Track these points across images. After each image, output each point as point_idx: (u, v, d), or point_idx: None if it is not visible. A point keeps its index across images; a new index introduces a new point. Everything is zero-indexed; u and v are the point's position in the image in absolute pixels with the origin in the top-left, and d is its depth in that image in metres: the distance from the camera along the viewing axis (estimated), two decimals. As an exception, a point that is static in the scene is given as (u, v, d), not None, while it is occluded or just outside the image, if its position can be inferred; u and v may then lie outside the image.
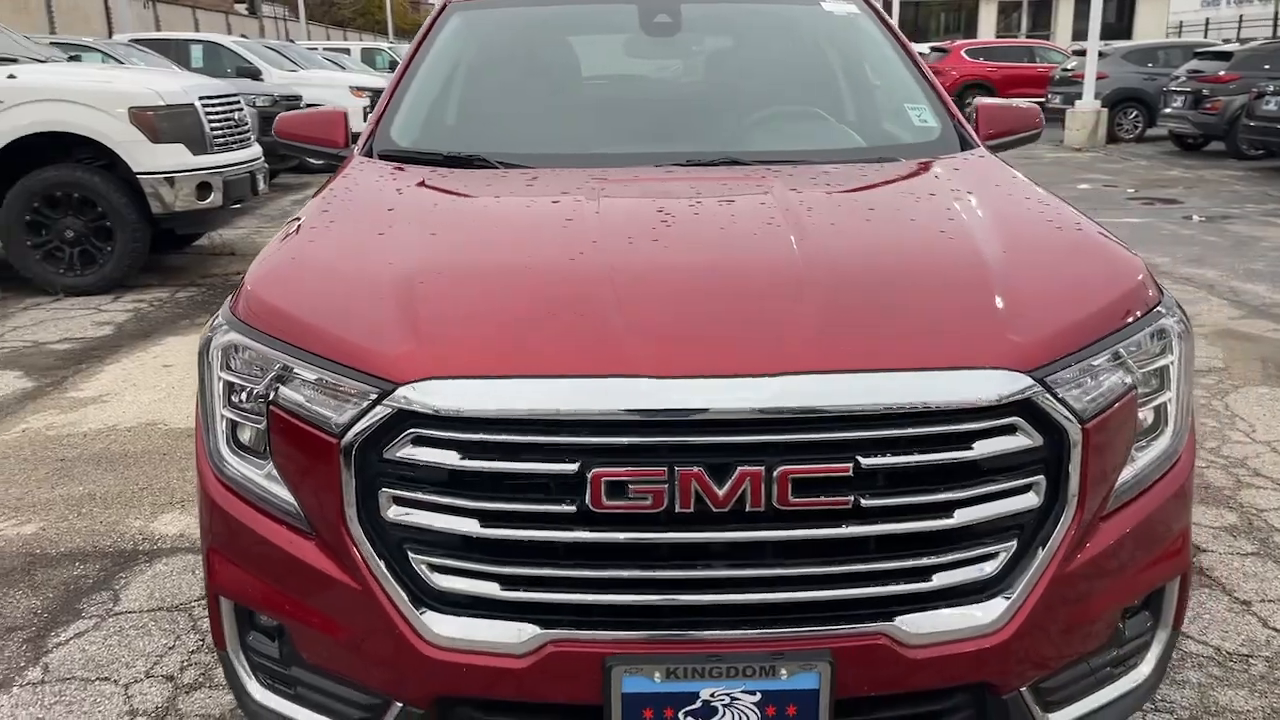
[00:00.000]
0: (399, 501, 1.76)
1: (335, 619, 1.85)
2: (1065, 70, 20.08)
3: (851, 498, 1.71)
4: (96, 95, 7.26)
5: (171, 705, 2.66)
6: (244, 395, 1.93)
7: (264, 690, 1.99)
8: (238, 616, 2.00)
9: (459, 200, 2.56)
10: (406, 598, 1.77)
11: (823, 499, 1.70)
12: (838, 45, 3.50)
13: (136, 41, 15.77)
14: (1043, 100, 18.82)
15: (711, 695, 1.74)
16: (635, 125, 3.16)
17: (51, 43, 13.28)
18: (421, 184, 2.64)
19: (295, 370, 1.85)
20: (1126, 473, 1.95)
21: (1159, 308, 2.05)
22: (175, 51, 15.55)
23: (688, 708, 1.74)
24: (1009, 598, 1.81)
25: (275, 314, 1.96)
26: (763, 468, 1.68)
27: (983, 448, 1.74)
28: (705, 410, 1.68)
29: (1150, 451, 2.01)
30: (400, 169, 2.80)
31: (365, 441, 1.75)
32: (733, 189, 2.55)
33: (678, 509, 1.68)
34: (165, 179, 7.32)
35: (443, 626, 1.77)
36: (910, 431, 1.72)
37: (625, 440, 1.69)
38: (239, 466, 1.95)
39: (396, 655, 1.79)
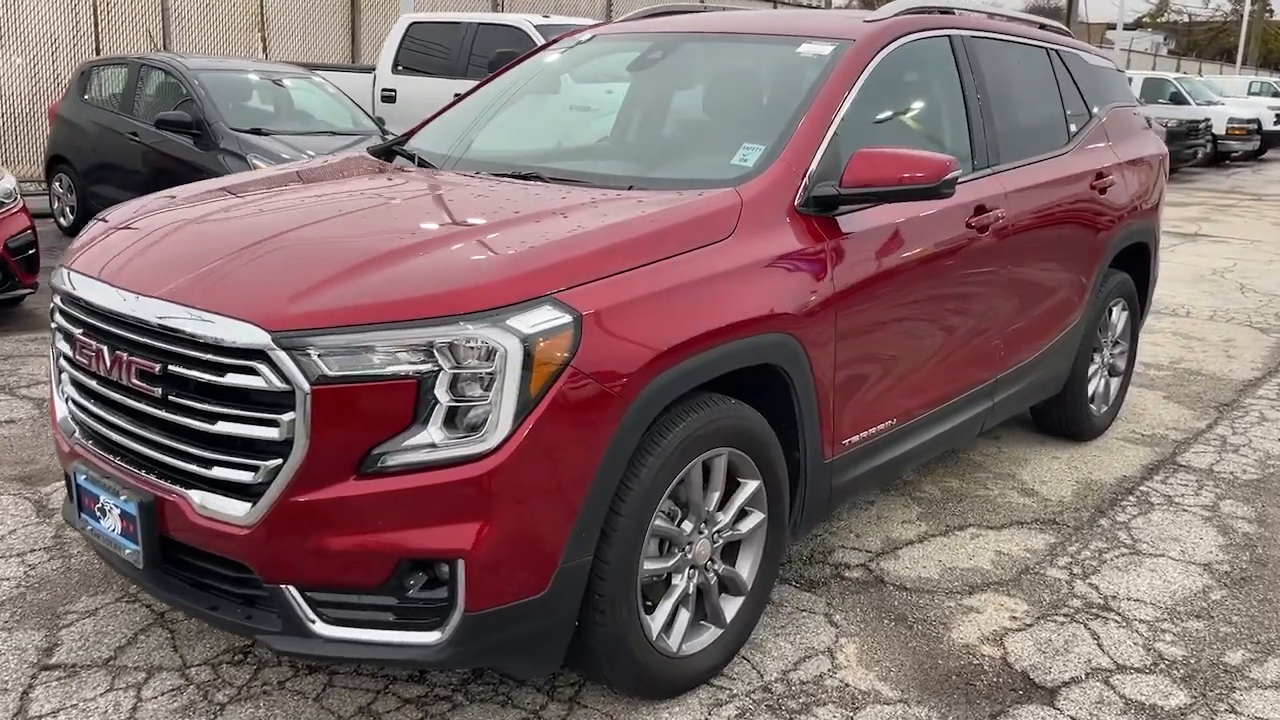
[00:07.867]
0: None
1: None
2: None
3: (160, 390, 2.42)
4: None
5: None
6: None
7: None
8: None
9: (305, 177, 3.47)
10: None
11: (144, 385, 2.45)
12: (770, 86, 3.49)
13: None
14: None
15: (103, 501, 2.60)
16: (531, 146, 3.70)
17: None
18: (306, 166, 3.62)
19: None
20: (422, 452, 2.27)
21: (481, 326, 2.25)
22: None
23: (98, 505, 2.62)
24: (255, 502, 2.33)
25: None
26: (124, 353, 2.49)
27: (232, 379, 2.31)
28: (104, 308, 2.57)
29: (460, 449, 2.27)
30: (363, 158, 3.75)
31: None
32: (433, 191, 3.11)
33: (93, 368, 2.59)
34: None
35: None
36: (190, 353, 2.36)
37: (93, 302, 2.63)
38: None
39: None
